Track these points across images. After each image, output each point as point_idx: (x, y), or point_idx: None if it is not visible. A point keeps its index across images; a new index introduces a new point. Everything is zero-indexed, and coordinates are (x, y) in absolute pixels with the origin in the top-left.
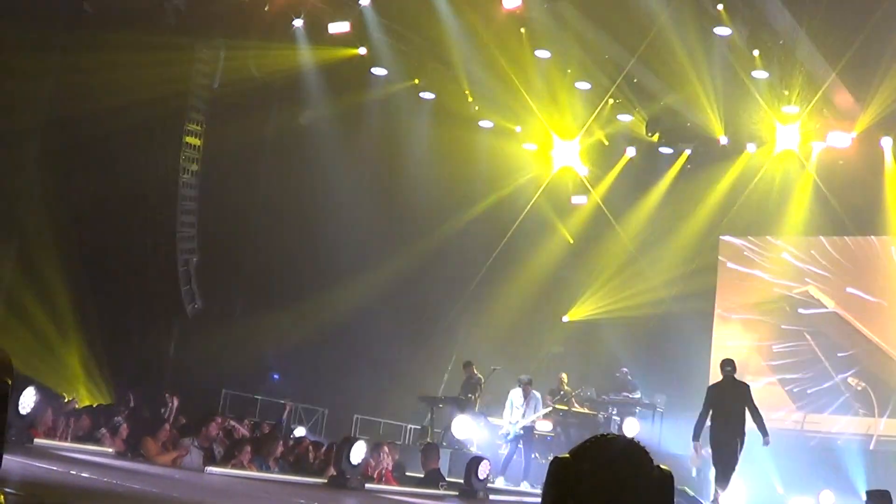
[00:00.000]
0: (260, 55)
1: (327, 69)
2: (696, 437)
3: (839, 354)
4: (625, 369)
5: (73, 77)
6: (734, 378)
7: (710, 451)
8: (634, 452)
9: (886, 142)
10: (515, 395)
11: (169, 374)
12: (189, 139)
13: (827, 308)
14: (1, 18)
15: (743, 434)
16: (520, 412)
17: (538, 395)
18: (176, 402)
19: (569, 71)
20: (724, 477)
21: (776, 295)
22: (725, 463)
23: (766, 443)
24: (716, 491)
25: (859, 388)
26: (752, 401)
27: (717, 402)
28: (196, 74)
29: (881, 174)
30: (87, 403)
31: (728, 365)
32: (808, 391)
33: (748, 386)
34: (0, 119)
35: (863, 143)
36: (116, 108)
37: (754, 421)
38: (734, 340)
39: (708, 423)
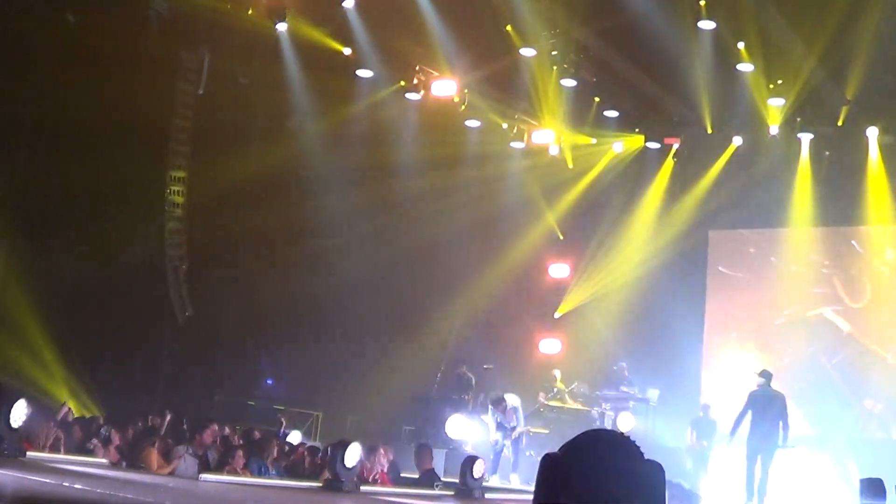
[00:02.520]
0: (245, 60)
1: (313, 72)
2: (732, 434)
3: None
4: (622, 363)
5: (56, 85)
6: (771, 387)
7: (706, 444)
8: (624, 447)
9: (872, 131)
10: (493, 411)
11: (161, 381)
12: (175, 145)
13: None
14: None
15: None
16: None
17: (516, 402)
18: (169, 417)
19: (555, 68)
20: (764, 484)
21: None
22: (766, 471)
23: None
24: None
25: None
26: (787, 415)
27: (759, 409)
28: (181, 81)
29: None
30: (79, 414)
31: (764, 375)
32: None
33: (784, 397)
34: None
35: (849, 133)
36: (100, 115)
37: (783, 430)
38: (724, 335)
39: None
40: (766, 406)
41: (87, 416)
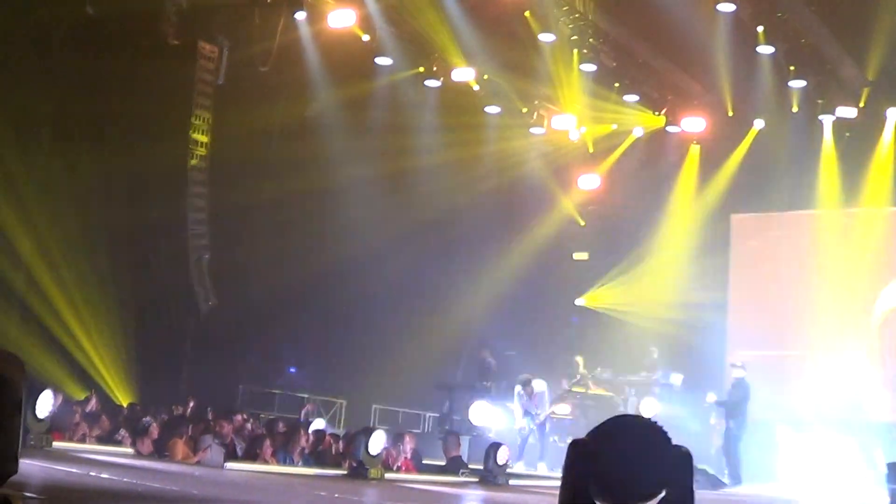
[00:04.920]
0: (264, 49)
1: (331, 61)
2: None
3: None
4: (653, 348)
5: (77, 78)
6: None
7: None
8: (653, 433)
9: (892, 113)
10: (520, 394)
11: (185, 372)
12: (195, 135)
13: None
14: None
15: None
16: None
17: (542, 387)
18: (192, 404)
19: (574, 53)
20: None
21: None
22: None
23: None
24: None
25: None
26: None
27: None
28: (200, 71)
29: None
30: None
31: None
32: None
33: None
34: (9, 118)
35: (869, 115)
36: (121, 106)
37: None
38: (747, 319)
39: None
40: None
41: (114, 405)
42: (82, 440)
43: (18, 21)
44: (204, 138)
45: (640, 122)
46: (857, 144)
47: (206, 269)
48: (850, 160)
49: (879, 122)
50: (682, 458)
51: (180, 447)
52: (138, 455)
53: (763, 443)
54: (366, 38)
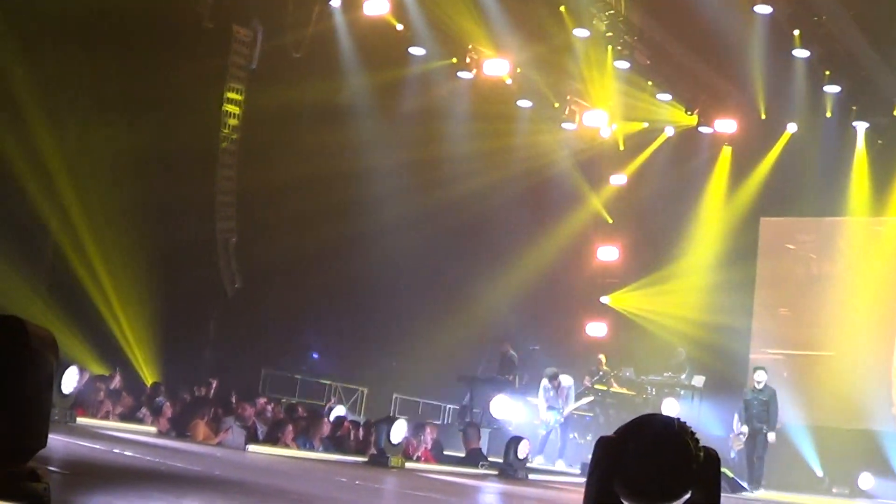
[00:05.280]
0: (297, 35)
1: (365, 49)
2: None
3: None
4: (681, 349)
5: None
6: None
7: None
8: (682, 434)
9: None
10: (546, 387)
11: (209, 354)
12: (228, 119)
13: None
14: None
15: None
16: (554, 404)
17: (569, 382)
18: (214, 385)
19: (608, 49)
20: None
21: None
22: None
23: None
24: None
25: None
26: None
27: None
28: (234, 55)
29: None
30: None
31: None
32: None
33: None
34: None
35: None
36: (155, 87)
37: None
38: (773, 324)
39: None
40: None
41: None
42: (105, 417)
43: (59, 4)
44: (234, 121)
45: (671, 121)
46: (889, 152)
47: (232, 252)
48: (881, 168)
49: None
50: (710, 460)
51: (201, 428)
52: (160, 434)
53: (785, 448)
54: (400, 27)
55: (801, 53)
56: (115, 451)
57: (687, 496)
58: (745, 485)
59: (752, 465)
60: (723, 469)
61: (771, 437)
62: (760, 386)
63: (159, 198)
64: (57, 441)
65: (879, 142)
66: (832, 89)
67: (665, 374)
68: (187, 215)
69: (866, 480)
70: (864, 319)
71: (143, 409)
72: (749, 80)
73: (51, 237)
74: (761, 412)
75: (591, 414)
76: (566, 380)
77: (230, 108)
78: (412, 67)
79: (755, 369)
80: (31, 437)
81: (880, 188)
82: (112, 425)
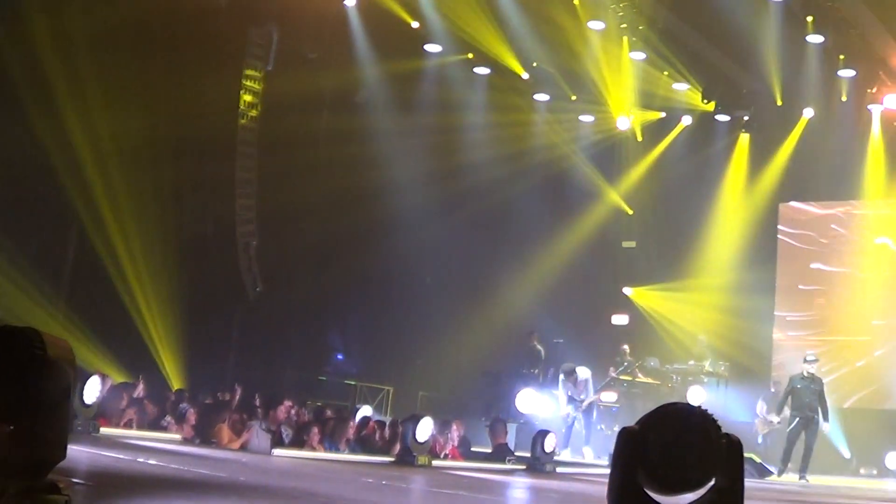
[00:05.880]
0: (313, 36)
1: (380, 47)
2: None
3: None
4: (702, 337)
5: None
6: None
7: (777, 418)
8: (703, 421)
9: None
10: (564, 381)
11: (232, 358)
12: (245, 122)
13: None
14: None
15: None
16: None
17: (586, 374)
18: (238, 391)
19: (624, 40)
20: None
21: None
22: None
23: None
24: None
25: None
26: None
27: None
28: (249, 58)
29: None
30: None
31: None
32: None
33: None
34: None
35: None
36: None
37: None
38: (795, 309)
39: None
40: None
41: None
42: (129, 426)
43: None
44: (252, 125)
45: (688, 110)
46: None
47: (253, 256)
48: None
49: None
50: (733, 447)
51: (225, 432)
52: (184, 441)
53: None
54: (415, 24)
55: (815, 39)
56: (140, 460)
57: (711, 483)
58: (772, 469)
59: (807, 453)
60: (749, 454)
61: (826, 427)
62: (812, 373)
63: (178, 198)
64: (80, 452)
65: (895, 124)
66: (847, 73)
67: (689, 363)
68: (207, 219)
69: (894, 460)
70: (886, 299)
71: (168, 417)
72: (764, 67)
73: (72, 245)
74: (813, 400)
75: (617, 404)
76: (583, 372)
77: (247, 110)
78: (428, 64)
79: (806, 357)
80: (50, 449)
81: (895, 171)
82: (136, 434)
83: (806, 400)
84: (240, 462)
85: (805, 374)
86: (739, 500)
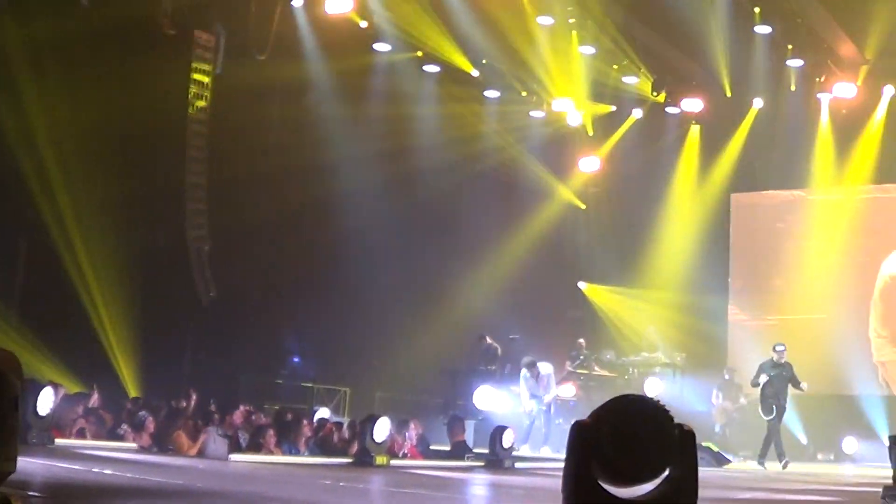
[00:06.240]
0: (261, 37)
1: (329, 47)
2: None
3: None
4: (651, 328)
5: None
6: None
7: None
8: (655, 413)
9: (888, 90)
10: (526, 377)
11: (189, 364)
12: (194, 127)
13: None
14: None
15: None
16: (536, 392)
17: (548, 370)
18: (195, 397)
19: (573, 35)
20: None
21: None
22: None
23: None
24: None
25: None
26: None
27: None
28: (197, 61)
29: (883, 123)
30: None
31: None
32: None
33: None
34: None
35: (867, 93)
36: (117, 99)
37: None
38: (748, 298)
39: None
40: None
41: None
42: (83, 436)
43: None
44: (201, 129)
45: (639, 103)
46: (853, 122)
47: (206, 261)
48: (846, 138)
49: (876, 99)
50: (686, 437)
51: (182, 439)
52: (140, 449)
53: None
54: (363, 24)
55: (762, 29)
56: (95, 470)
57: (665, 474)
58: (730, 457)
59: (779, 442)
60: (707, 443)
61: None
62: (783, 360)
63: (129, 205)
64: (34, 464)
65: (843, 111)
66: (795, 63)
67: (643, 355)
68: (158, 225)
69: (850, 445)
70: (838, 285)
71: (124, 426)
72: (713, 59)
73: (23, 255)
74: (784, 388)
75: (574, 398)
76: (545, 367)
77: (196, 115)
78: (378, 64)
79: (775, 348)
80: (0, 462)
81: (844, 158)
82: (91, 444)
83: (778, 388)
84: (196, 468)
85: (776, 361)
86: (694, 490)
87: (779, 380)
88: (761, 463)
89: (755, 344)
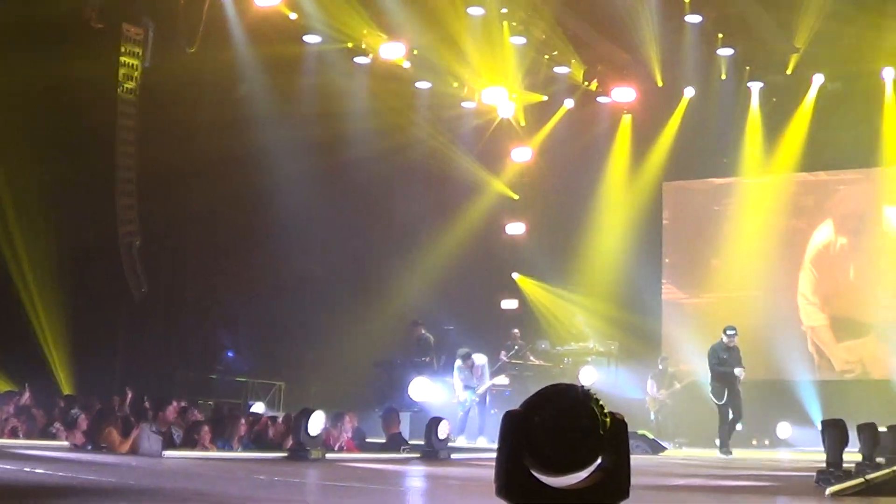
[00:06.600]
0: (190, 30)
1: (259, 40)
2: None
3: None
4: (579, 317)
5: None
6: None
7: (665, 394)
8: (585, 401)
9: (818, 79)
10: (460, 367)
11: (122, 361)
12: (122, 119)
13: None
14: None
15: None
16: (470, 383)
17: (483, 360)
18: (129, 394)
19: (504, 25)
20: None
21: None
22: None
23: None
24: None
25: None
26: None
27: None
28: (125, 54)
29: (812, 110)
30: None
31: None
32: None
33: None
34: None
35: (798, 81)
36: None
37: None
38: (681, 285)
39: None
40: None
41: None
42: (15, 435)
43: None
44: (130, 122)
45: (570, 93)
46: (783, 110)
47: (137, 256)
48: (775, 126)
49: (806, 87)
50: (617, 425)
51: (115, 436)
52: (73, 448)
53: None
54: (293, 16)
55: (693, 19)
56: (26, 469)
57: (597, 462)
58: (665, 444)
59: (731, 427)
60: (642, 431)
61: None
62: (733, 344)
63: (59, 200)
64: None
65: (774, 100)
66: (726, 52)
67: (572, 344)
68: (88, 220)
69: (784, 430)
70: (768, 270)
71: (56, 424)
72: (644, 48)
73: None
74: (733, 373)
75: (510, 388)
76: (479, 358)
77: (125, 108)
78: (308, 55)
79: (726, 332)
80: None
81: (772, 146)
82: (23, 443)
83: (731, 370)
84: (130, 466)
85: (728, 345)
86: (626, 478)
87: (731, 365)
88: (726, 452)
89: (689, 325)
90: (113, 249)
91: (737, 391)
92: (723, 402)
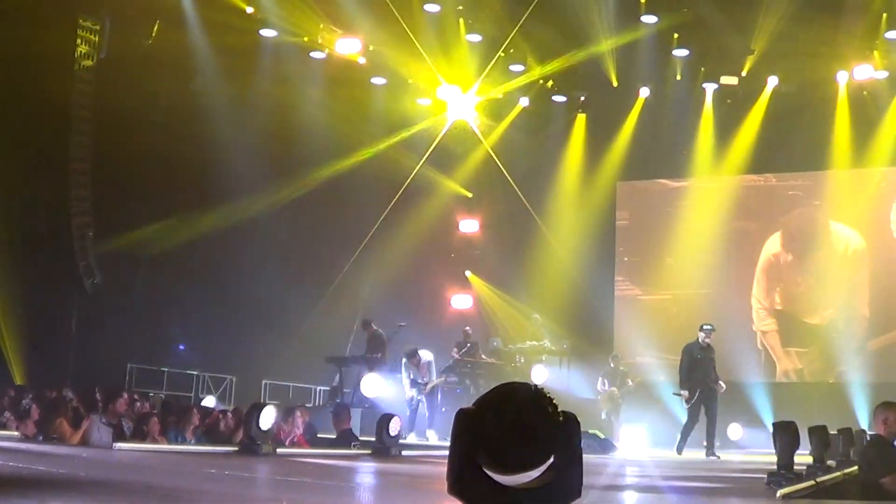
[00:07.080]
0: (146, 23)
1: (216, 33)
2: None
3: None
4: (536, 316)
5: None
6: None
7: (617, 393)
8: (538, 399)
9: (772, 81)
10: (406, 364)
11: (73, 352)
12: (77, 111)
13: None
14: None
15: None
16: (418, 379)
17: (429, 357)
18: (79, 386)
19: (460, 22)
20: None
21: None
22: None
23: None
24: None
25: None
26: None
27: None
28: (81, 46)
29: (764, 113)
30: None
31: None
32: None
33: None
34: None
35: (752, 83)
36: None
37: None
38: (634, 285)
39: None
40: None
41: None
42: None
43: None
44: (86, 113)
45: (526, 91)
46: (737, 112)
47: (90, 247)
48: (729, 127)
49: (761, 89)
50: (569, 424)
51: (66, 427)
52: (24, 438)
53: (652, 404)
54: (249, 10)
55: (648, 19)
56: None
57: (549, 461)
58: (616, 444)
59: (712, 428)
60: (593, 430)
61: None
62: (708, 342)
63: (10, 192)
64: None
65: (728, 101)
66: (681, 53)
67: (528, 343)
68: (41, 210)
69: (735, 431)
70: (721, 269)
71: (7, 414)
72: (600, 47)
73: None
74: (711, 370)
75: (461, 386)
76: (426, 355)
77: (80, 99)
78: (264, 49)
79: (702, 327)
80: None
81: (724, 148)
82: None
83: (706, 370)
84: (80, 457)
85: (702, 343)
86: (578, 476)
87: (705, 363)
88: (712, 453)
89: (642, 321)
90: (66, 240)
91: (712, 399)
92: (691, 403)
